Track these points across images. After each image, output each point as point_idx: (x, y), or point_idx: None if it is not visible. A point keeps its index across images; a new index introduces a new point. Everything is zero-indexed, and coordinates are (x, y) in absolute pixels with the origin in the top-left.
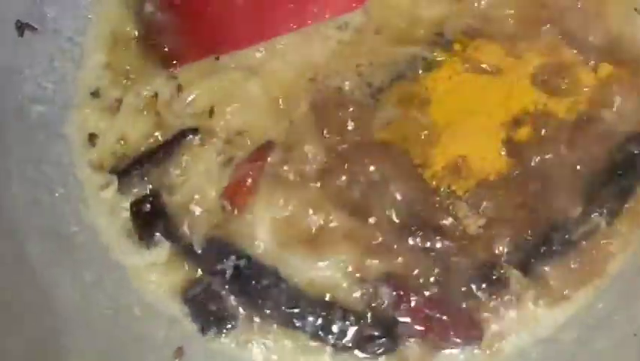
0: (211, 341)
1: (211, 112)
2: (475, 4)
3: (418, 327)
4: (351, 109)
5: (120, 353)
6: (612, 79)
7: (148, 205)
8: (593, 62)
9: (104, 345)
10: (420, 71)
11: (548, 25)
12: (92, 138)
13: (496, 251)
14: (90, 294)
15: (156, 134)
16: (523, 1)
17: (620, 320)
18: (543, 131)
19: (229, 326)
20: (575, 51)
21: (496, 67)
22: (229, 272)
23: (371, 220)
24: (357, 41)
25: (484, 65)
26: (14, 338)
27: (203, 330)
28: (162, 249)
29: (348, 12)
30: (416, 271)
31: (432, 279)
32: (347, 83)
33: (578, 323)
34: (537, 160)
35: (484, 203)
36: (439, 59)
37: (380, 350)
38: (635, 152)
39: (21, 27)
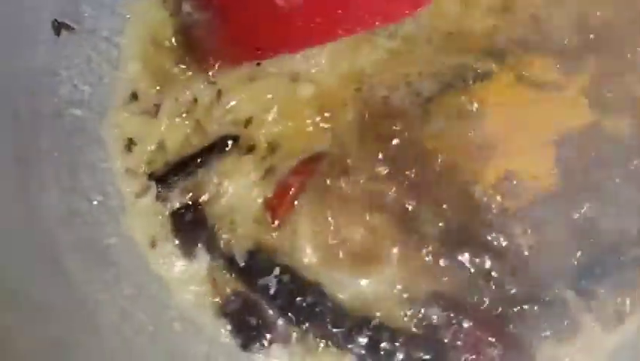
0: (254, 358)
1: (252, 119)
2: (529, 16)
3: (468, 349)
4: (398, 119)
5: None
6: None
7: (190, 215)
8: None
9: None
10: (470, 82)
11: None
12: (130, 143)
13: (550, 272)
14: (129, 309)
15: (195, 140)
16: (578, 14)
17: None
18: (596, 149)
19: (271, 341)
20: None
21: (550, 81)
22: (272, 287)
23: (419, 237)
24: (407, 51)
25: (536, 79)
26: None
27: (245, 346)
28: (203, 261)
29: (400, 20)
30: (466, 291)
31: (483, 300)
32: (395, 92)
33: (632, 348)
34: (591, 179)
35: (538, 221)
36: (490, 70)
37: None
38: None
39: (58, 26)
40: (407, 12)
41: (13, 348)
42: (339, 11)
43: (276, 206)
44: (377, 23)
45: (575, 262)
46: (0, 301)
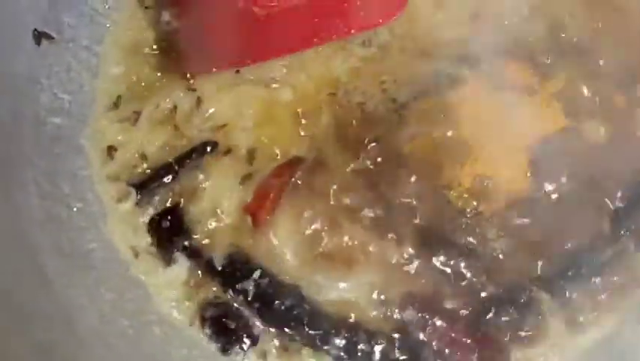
0: None
1: (231, 125)
2: (501, 24)
3: (443, 350)
4: (374, 125)
5: None
6: None
7: (167, 221)
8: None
9: None
10: (444, 88)
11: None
12: (110, 150)
13: (524, 274)
14: (109, 313)
15: (175, 147)
16: (551, 21)
17: None
18: (569, 152)
19: (250, 345)
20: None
21: (523, 86)
22: (251, 291)
23: (395, 240)
24: (381, 58)
25: (509, 85)
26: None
27: (224, 350)
28: (182, 266)
29: (374, 28)
30: (441, 293)
31: (457, 301)
32: (370, 99)
33: (606, 349)
34: (565, 182)
35: (512, 225)
36: (464, 76)
37: None
38: None
39: (38, 36)
40: (380, 21)
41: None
42: (316, 20)
43: (256, 210)
44: (352, 32)
45: (549, 265)
46: None
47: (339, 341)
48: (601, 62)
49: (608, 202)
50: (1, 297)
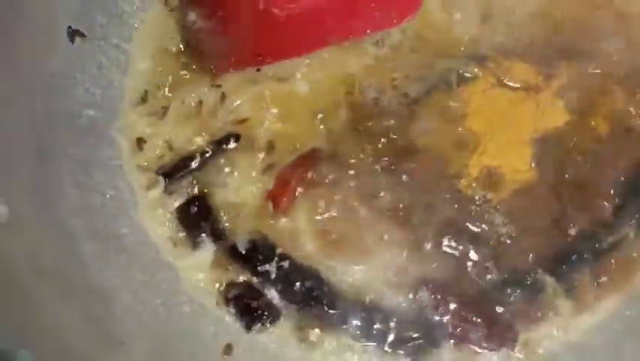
0: (257, 338)
1: (253, 119)
2: (507, 25)
3: (454, 329)
4: (388, 119)
5: (171, 348)
6: None
7: (195, 207)
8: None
9: (156, 340)
10: (454, 85)
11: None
12: (140, 142)
13: (529, 258)
14: (141, 293)
15: (200, 139)
16: (555, 22)
17: None
18: (571, 145)
19: (273, 322)
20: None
21: (528, 84)
22: (273, 273)
23: (409, 227)
24: (393, 57)
25: (515, 82)
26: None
27: (248, 326)
28: (208, 250)
29: (388, 28)
30: (452, 276)
31: (468, 283)
32: (383, 94)
33: (607, 328)
34: (567, 173)
35: (518, 212)
36: (473, 74)
37: (419, 351)
38: None
39: (72, 33)
40: (395, 22)
41: (44, 324)
42: (332, 21)
43: (278, 197)
44: (367, 32)
45: (553, 250)
46: (31, 281)
47: (356, 321)
48: (602, 62)
49: (609, 192)
50: (47, 277)
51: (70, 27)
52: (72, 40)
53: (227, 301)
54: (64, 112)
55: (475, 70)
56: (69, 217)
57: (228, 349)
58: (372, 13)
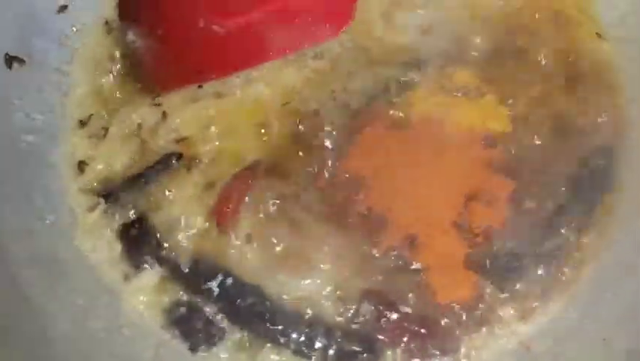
0: (200, 359)
1: (194, 137)
2: (449, 31)
3: (397, 340)
4: (328, 130)
5: None
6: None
7: (135, 229)
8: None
9: None
10: (394, 93)
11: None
12: (81, 165)
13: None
14: (81, 319)
15: (142, 158)
16: (490, 28)
17: (589, 328)
18: (513, 152)
19: (217, 342)
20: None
21: (469, 90)
22: (215, 291)
23: (350, 239)
24: (331, 69)
25: (457, 88)
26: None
27: (192, 348)
28: (151, 272)
29: (324, 41)
30: (395, 288)
31: (410, 295)
32: (324, 106)
33: (550, 333)
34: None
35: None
36: (413, 81)
37: None
38: (601, 164)
39: (9, 59)
40: (330, 34)
41: None
42: (270, 36)
43: (220, 213)
44: (305, 45)
45: (493, 259)
46: None
47: (298, 336)
48: (542, 67)
49: (549, 198)
50: None
51: (7, 54)
52: (10, 67)
53: (171, 323)
54: (3, 138)
55: (415, 77)
56: (7, 243)
57: None
58: (308, 28)
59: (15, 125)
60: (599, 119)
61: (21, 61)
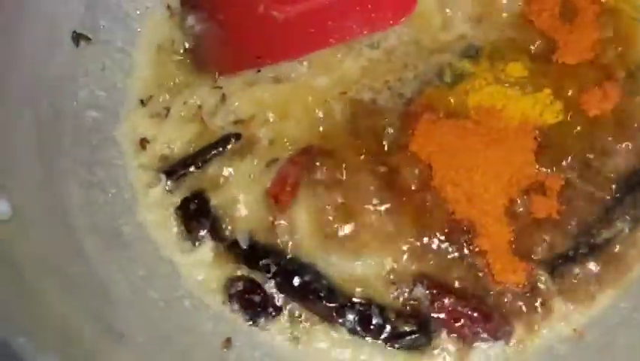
0: (257, 332)
1: (252, 119)
2: (501, 24)
3: (450, 323)
4: (384, 117)
5: (171, 342)
6: None
7: (194, 205)
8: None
9: (156, 334)
10: (448, 80)
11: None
12: (143, 142)
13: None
14: (142, 288)
15: (201, 138)
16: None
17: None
18: (569, 143)
19: (275, 316)
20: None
21: (524, 83)
22: (273, 268)
23: (404, 224)
24: (386, 60)
25: (511, 80)
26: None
27: (252, 321)
28: (208, 246)
29: (384, 29)
30: (449, 272)
31: (463, 280)
32: (379, 95)
33: (602, 322)
34: (565, 169)
35: (515, 211)
36: (467, 70)
37: (415, 345)
38: None
39: (77, 37)
40: (391, 22)
41: (44, 313)
42: (330, 22)
43: (278, 194)
44: (364, 32)
45: (548, 248)
46: (33, 272)
47: (354, 315)
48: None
49: (604, 190)
50: (48, 269)
51: (74, 31)
52: (77, 44)
53: (230, 296)
54: (69, 113)
55: (469, 66)
56: (72, 213)
57: (228, 343)
58: (368, 15)
59: (80, 101)
60: None
61: (87, 39)
